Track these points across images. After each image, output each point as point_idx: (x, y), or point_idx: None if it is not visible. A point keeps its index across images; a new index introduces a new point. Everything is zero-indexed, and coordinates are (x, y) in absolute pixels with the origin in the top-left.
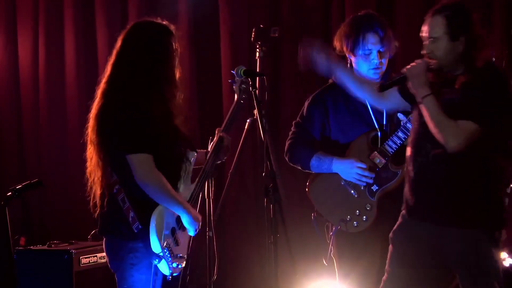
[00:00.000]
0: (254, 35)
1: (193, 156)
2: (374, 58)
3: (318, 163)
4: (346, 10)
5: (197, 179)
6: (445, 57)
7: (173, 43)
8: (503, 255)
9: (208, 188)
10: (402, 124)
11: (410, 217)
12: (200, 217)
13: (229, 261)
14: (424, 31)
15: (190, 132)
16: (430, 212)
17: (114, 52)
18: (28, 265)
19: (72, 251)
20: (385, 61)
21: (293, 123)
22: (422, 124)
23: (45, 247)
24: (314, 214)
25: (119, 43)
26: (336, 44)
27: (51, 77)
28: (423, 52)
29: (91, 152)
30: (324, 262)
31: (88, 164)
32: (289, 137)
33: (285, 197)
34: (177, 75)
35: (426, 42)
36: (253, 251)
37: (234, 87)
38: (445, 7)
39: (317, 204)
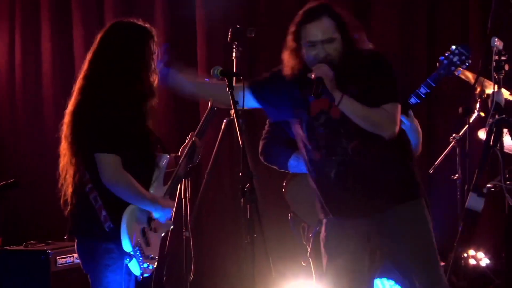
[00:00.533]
0: (230, 35)
1: (166, 158)
2: None
3: (297, 163)
4: None
5: (169, 183)
6: (339, 56)
7: (152, 46)
8: (479, 255)
9: (184, 188)
10: None
11: (338, 218)
12: (172, 204)
13: (206, 261)
14: (314, 35)
15: (165, 134)
16: (368, 203)
17: (92, 50)
18: (5, 265)
19: (48, 252)
20: None
21: (267, 121)
22: (325, 124)
23: (22, 247)
24: (290, 215)
25: (97, 40)
26: None
27: (28, 76)
28: (319, 56)
29: (64, 148)
30: (302, 263)
31: (60, 160)
32: (263, 136)
33: (261, 197)
34: (154, 78)
35: (317, 45)
36: (230, 251)
37: None
38: (321, 10)
39: (294, 205)
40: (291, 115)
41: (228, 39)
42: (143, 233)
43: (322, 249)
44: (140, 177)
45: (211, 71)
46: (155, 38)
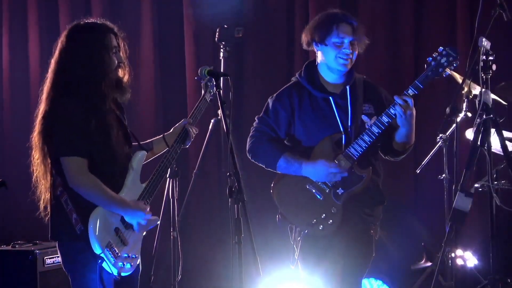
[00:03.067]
0: (218, 35)
1: (143, 155)
2: (346, 48)
3: (286, 165)
4: (310, 10)
5: (158, 164)
6: None
7: (112, 41)
8: (467, 255)
9: (172, 189)
10: (367, 127)
11: None
12: (144, 207)
13: (194, 261)
14: None
15: (153, 132)
16: None
17: (54, 58)
18: None
19: (36, 252)
20: (355, 54)
21: (257, 118)
22: None
23: (9, 247)
24: (278, 216)
25: (57, 48)
26: (305, 36)
27: (15, 78)
28: None
29: (36, 157)
30: (291, 266)
31: (34, 167)
32: (252, 134)
33: (249, 197)
34: (123, 72)
35: None
36: (217, 251)
37: (202, 84)
38: None
39: (282, 206)
40: None
41: (216, 39)
42: (116, 232)
43: None
44: (109, 179)
45: (199, 71)
46: (116, 32)
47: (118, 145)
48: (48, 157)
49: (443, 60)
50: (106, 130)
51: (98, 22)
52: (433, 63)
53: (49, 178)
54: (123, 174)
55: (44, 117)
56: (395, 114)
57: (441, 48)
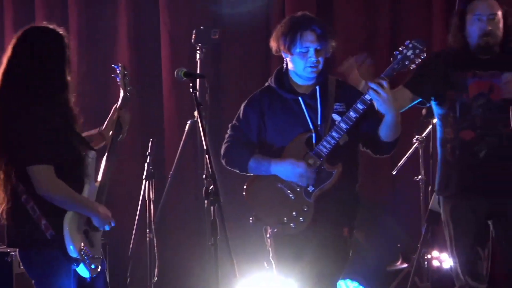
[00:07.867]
0: (194, 36)
1: (93, 155)
2: (311, 56)
3: (256, 165)
4: (286, 12)
5: (103, 159)
6: (499, 36)
7: (64, 48)
8: (443, 256)
9: (148, 190)
10: (336, 123)
11: (463, 196)
12: (109, 213)
13: (170, 263)
14: (482, 9)
15: (129, 136)
16: (506, 186)
17: (5, 61)
18: None
19: (12, 254)
20: (322, 60)
21: (230, 125)
22: (483, 106)
23: None
24: (252, 218)
25: (9, 51)
26: (273, 44)
27: None
28: (485, 29)
29: None
30: (265, 265)
31: None
32: (225, 140)
33: (225, 199)
34: (69, 78)
35: (483, 20)
36: (193, 252)
37: (118, 82)
38: None
39: (255, 207)
40: (445, 97)
41: (192, 40)
42: (86, 235)
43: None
44: (72, 182)
45: (175, 72)
46: (67, 40)
47: (79, 147)
48: (6, 165)
49: (409, 53)
50: (73, 133)
51: (52, 27)
52: (399, 56)
53: (5, 185)
54: (82, 175)
55: (2, 128)
56: (370, 100)
57: (407, 41)
